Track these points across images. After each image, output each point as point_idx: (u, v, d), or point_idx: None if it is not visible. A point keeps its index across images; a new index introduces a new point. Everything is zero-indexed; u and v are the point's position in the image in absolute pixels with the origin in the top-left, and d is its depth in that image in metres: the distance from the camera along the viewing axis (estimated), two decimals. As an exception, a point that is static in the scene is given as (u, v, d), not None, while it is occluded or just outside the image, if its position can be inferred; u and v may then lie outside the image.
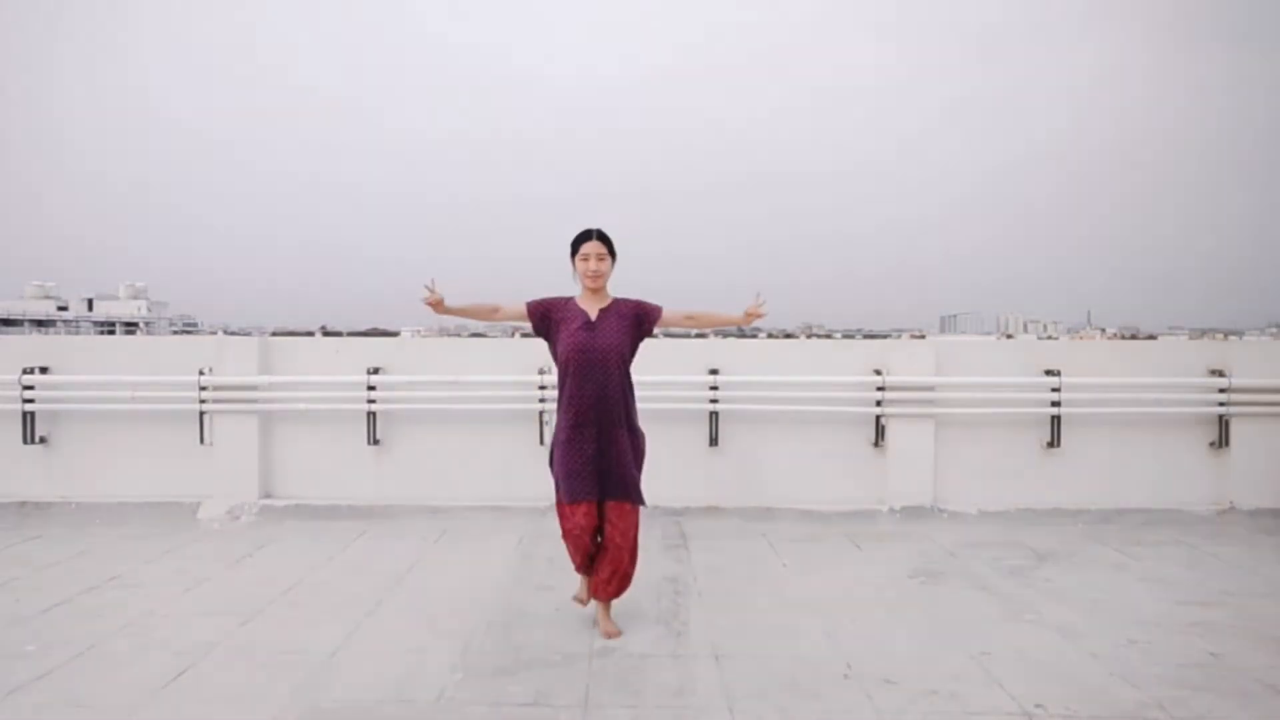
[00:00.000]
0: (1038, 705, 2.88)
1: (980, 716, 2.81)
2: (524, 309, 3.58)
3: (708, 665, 3.21)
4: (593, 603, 3.68)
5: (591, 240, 3.53)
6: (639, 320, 3.56)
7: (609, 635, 3.49)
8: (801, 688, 3.01)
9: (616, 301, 3.59)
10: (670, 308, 3.64)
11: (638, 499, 3.52)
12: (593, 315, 3.51)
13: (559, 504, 3.56)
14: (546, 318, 3.55)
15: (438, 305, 3.52)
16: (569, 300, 3.58)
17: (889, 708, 2.86)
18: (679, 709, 2.85)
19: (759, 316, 3.64)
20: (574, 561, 3.63)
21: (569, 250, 3.59)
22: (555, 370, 3.57)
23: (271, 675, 3.10)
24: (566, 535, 3.55)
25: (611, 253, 3.57)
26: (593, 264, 3.50)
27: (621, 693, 2.97)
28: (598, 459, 3.46)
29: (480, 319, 3.73)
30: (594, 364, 3.43)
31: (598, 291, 3.56)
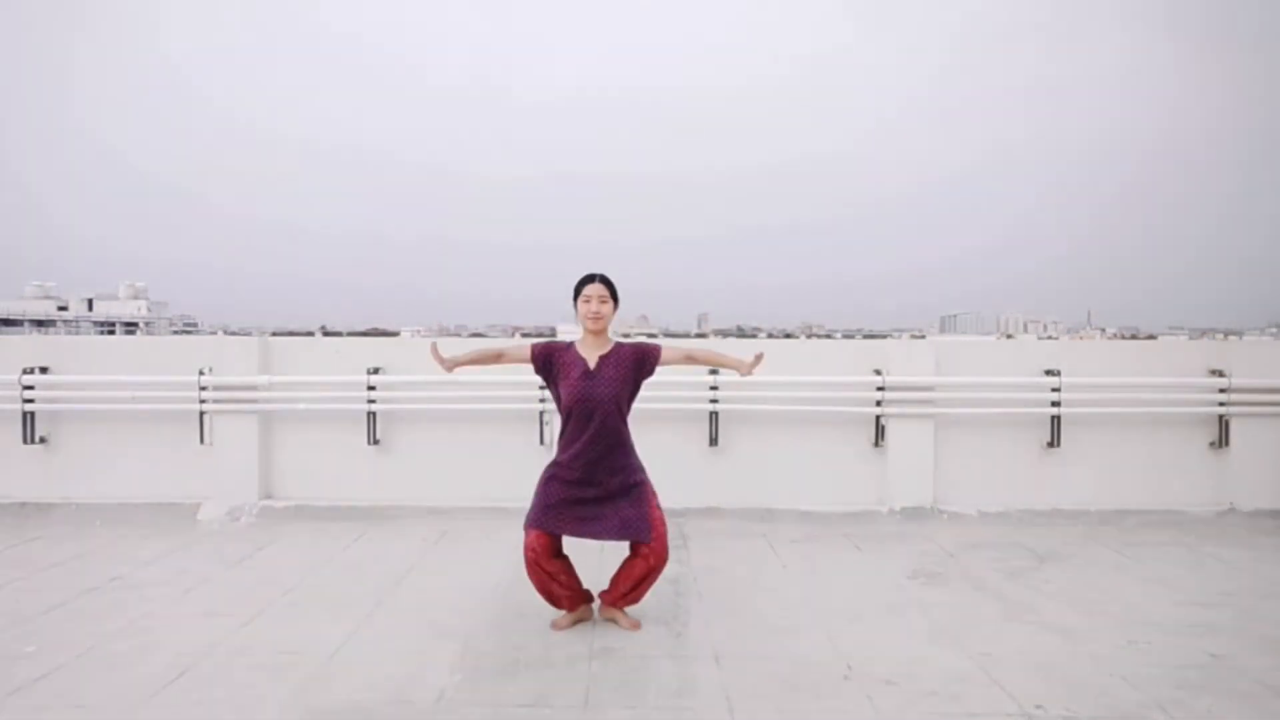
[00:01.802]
0: (1038, 706, 2.88)
1: (980, 717, 2.81)
2: (527, 352, 3.62)
3: (708, 666, 3.21)
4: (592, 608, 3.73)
5: (594, 283, 3.58)
6: (639, 364, 3.59)
7: (634, 628, 3.57)
8: (801, 688, 3.02)
9: (617, 346, 3.62)
10: (670, 347, 3.68)
11: (645, 535, 3.47)
12: (592, 363, 3.54)
13: (524, 528, 3.54)
14: (549, 361, 3.59)
15: (445, 364, 3.65)
16: (570, 346, 3.61)
17: (889, 708, 2.86)
18: (679, 709, 2.86)
19: (758, 366, 3.68)
20: (549, 602, 3.63)
21: (571, 294, 3.65)
22: (558, 412, 3.62)
23: (271, 675, 3.10)
24: (527, 564, 3.51)
25: (614, 297, 3.61)
26: (594, 305, 3.54)
27: (622, 693, 2.97)
28: (584, 503, 3.48)
29: (487, 364, 3.76)
30: (593, 412, 3.47)
31: (599, 334, 3.59)
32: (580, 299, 3.58)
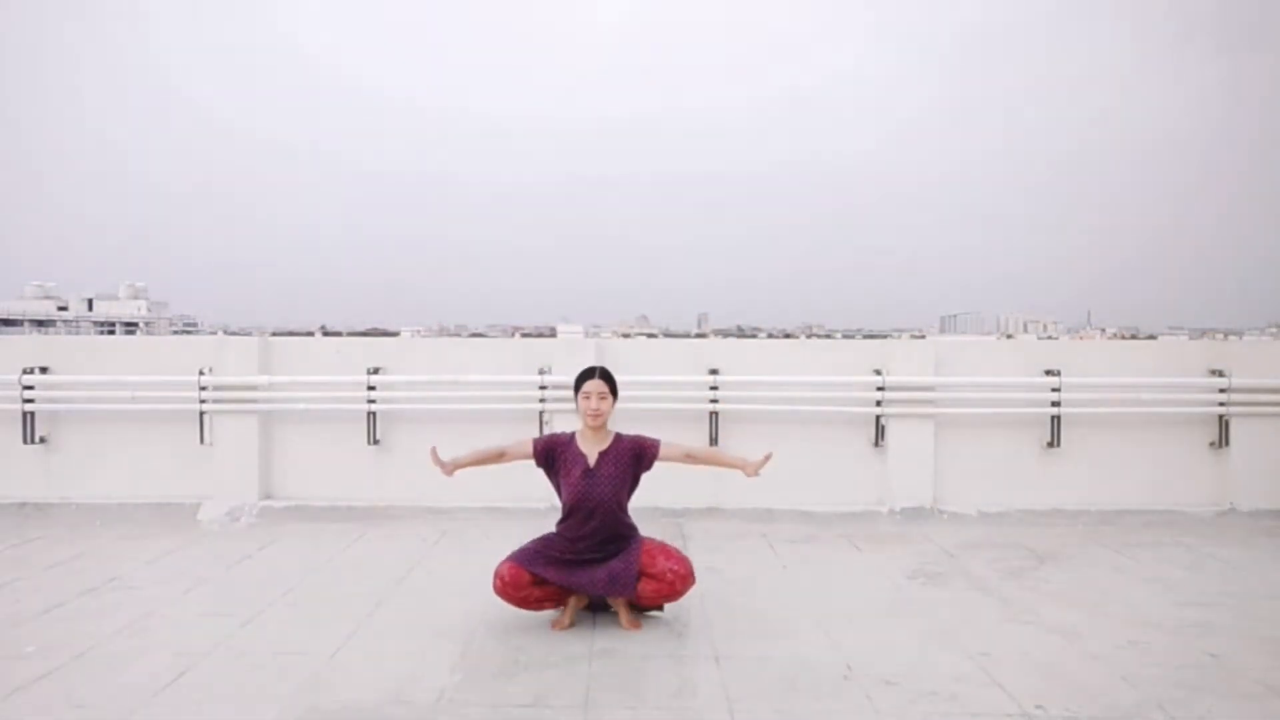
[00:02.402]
0: (1038, 705, 2.88)
1: (980, 717, 2.81)
2: (529, 448, 3.67)
3: (708, 666, 3.21)
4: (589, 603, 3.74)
5: (594, 379, 3.62)
6: (638, 459, 3.65)
7: (634, 627, 3.58)
8: (801, 688, 3.02)
9: (617, 439, 3.66)
10: (669, 445, 3.71)
11: (629, 591, 3.52)
12: (592, 459, 3.59)
13: (504, 560, 3.58)
14: (550, 455, 3.66)
15: (446, 468, 3.69)
16: (571, 440, 3.66)
17: (889, 708, 2.86)
18: (679, 710, 2.86)
19: (765, 466, 3.67)
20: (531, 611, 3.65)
21: (573, 387, 3.71)
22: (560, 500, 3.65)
23: (271, 676, 3.10)
24: (495, 590, 3.55)
25: (613, 391, 3.66)
26: (594, 402, 3.58)
27: (622, 694, 2.97)
28: (578, 565, 3.54)
29: (489, 464, 3.77)
30: (594, 511, 3.53)
31: (598, 430, 3.63)
32: (580, 395, 3.63)
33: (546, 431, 5.63)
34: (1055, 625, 3.65)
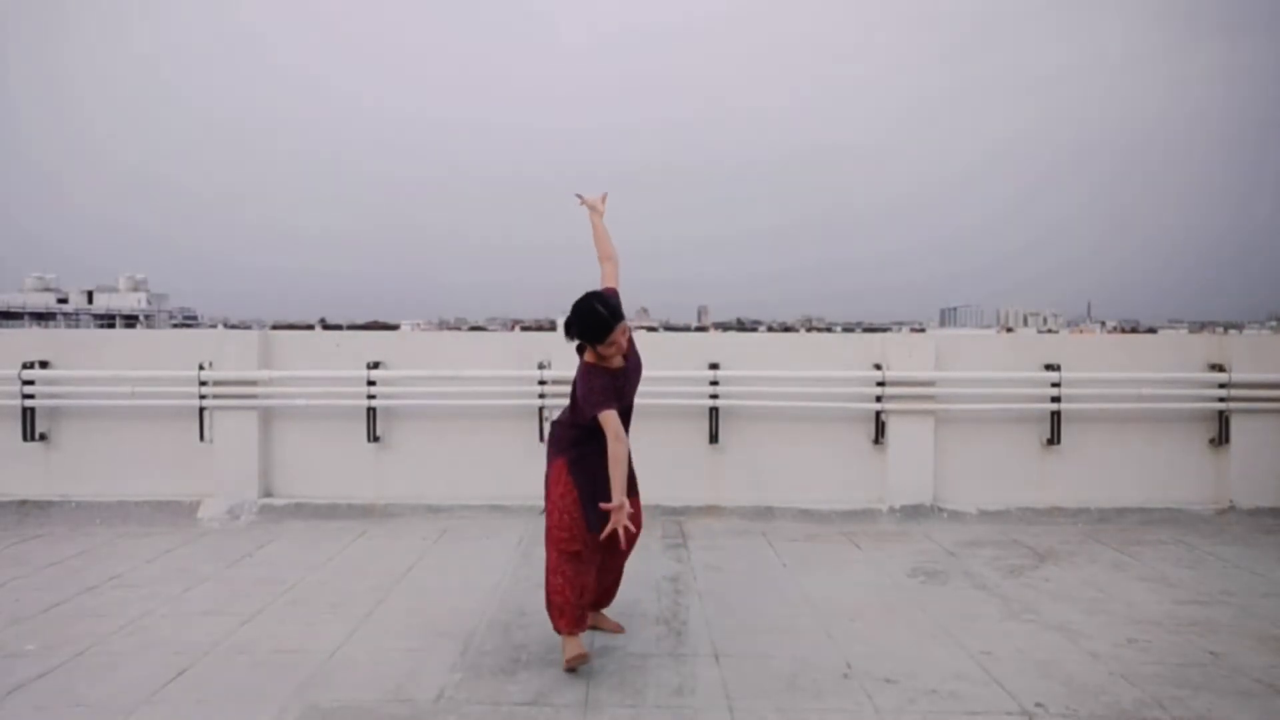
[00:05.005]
0: (1038, 705, 2.88)
1: (980, 716, 2.81)
2: (616, 418, 3.17)
3: (708, 665, 3.21)
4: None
5: (620, 321, 3.18)
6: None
7: (620, 630, 3.57)
8: (801, 688, 3.02)
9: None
10: (606, 277, 3.51)
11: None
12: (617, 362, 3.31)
13: (576, 531, 3.28)
14: (620, 391, 3.31)
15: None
16: (606, 369, 3.24)
17: (889, 707, 2.87)
18: (679, 708, 2.86)
19: (590, 204, 3.61)
20: (568, 614, 3.21)
21: (585, 332, 3.18)
22: (573, 395, 3.33)
23: (271, 675, 3.10)
24: (579, 559, 3.27)
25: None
26: (623, 343, 3.20)
27: (622, 692, 2.98)
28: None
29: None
30: (630, 408, 3.35)
31: None
32: (607, 345, 3.16)
33: (547, 428, 5.61)
34: (1055, 623, 3.65)
